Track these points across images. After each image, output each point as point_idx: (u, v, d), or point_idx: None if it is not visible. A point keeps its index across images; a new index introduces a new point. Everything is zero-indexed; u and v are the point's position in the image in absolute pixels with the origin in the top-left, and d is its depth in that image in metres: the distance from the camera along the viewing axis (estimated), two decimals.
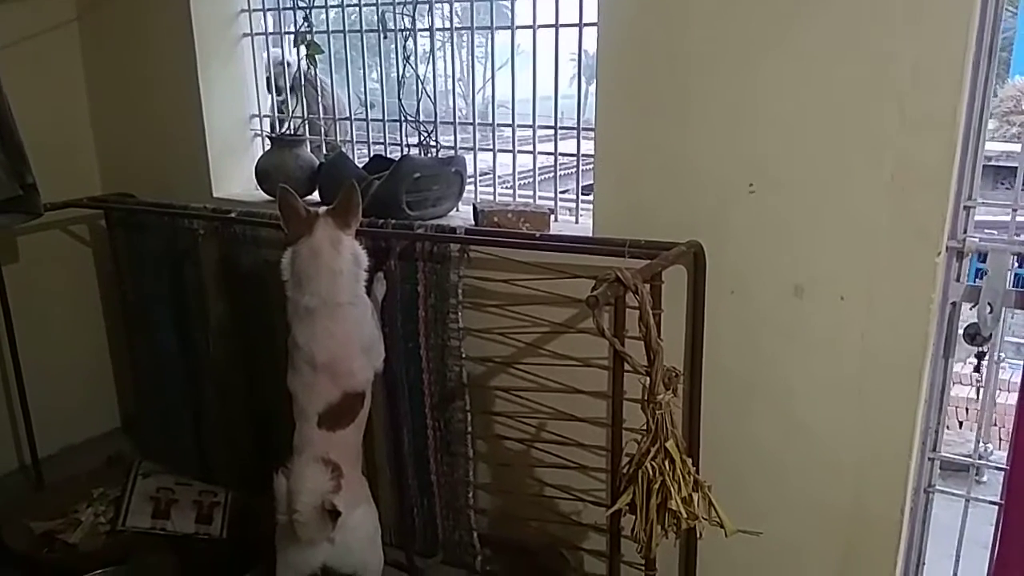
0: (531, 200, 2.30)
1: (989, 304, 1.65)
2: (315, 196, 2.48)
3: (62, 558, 2.22)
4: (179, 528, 2.28)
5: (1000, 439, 4.50)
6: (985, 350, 1.76)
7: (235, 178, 2.69)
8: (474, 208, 2.15)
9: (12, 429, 2.74)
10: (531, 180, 2.31)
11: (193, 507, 2.36)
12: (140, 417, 2.87)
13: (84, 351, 2.98)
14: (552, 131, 2.21)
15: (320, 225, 1.77)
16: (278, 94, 2.67)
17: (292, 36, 2.49)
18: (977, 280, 1.68)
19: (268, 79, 2.65)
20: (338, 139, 2.65)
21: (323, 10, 2.48)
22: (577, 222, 2.20)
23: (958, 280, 1.67)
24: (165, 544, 2.25)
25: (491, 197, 2.37)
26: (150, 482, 2.42)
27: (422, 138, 2.39)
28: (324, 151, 2.63)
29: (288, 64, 2.62)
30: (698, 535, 1.58)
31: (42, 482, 2.65)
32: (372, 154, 2.49)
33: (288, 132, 2.60)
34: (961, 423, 5.89)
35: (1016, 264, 1.63)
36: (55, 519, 2.35)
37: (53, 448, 2.83)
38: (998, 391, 4.22)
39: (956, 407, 5.78)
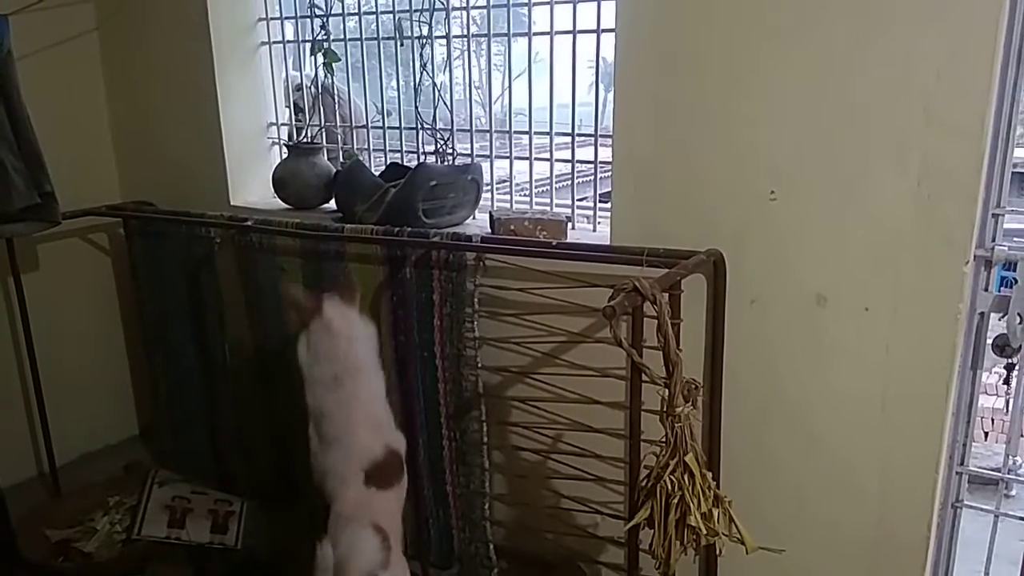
0: (548, 208, 2.28)
1: (1019, 314, 1.60)
2: (331, 204, 2.48)
3: (77, 567, 2.22)
4: (194, 538, 2.27)
5: None
6: (1015, 361, 1.72)
7: (252, 186, 2.69)
8: (490, 216, 2.13)
9: (31, 436, 2.75)
10: (548, 188, 2.29)
11: (208, 516, 2.35)
12: (157, 425, 2.87)
13: (102, 358, 2.99)
14: (569, 138, 2.19)
15: (327, 303, 1.85)
16: (296, 113, 2.68)
17: (309, 44, 2.49)
18: (1005, 289, 1.64)
19: (287, 96, 2.66)
20: (355, 147, 2.64)
21: (340, 18, 2.47)
22: (595, 230, 2.17)
23: (986, 290, 1.63)
24: (180, 553, 2.24)
25: (508, 205, 2.35)
26: (166, 491, 2.41)
27: (439, 146, 2.37)
28: (341, 159, 2.63)
29: (307, 86, 2.62)
30: (718, 552, 1.54)
31: (59, 490, 2.66)
32: (388, 162, 2.48)
33: (305, 140, 2.60)
34: (987, 434, 5.79)
35: None
36: (71, 527, 2.36)
37: (71, 455, 2.84)
38: None
39: (982, 418, 5.70)
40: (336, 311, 1.85)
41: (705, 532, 1.44)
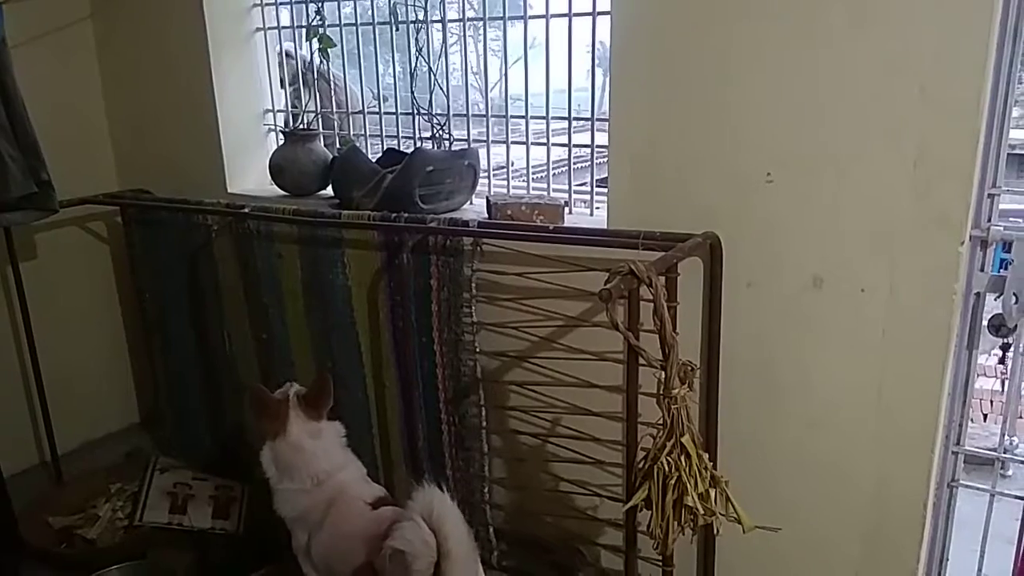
0: (545, 193, 2.28)
1: (1014, 294, 1.61)
2: (328, 191, 2.47)
3: (80, 553, 2.24)
4: (196, 523, 2.29)
5: None
6: (1010, 341, 1.73)
7: (249, 173, 2.69)
8: (487, 201, 2.13)
9: (32, 425, 2.76)
10: (545, 173, 2.29)
11: (210, 502, 2.36)
12: (158, 412, 2.88)
13: (102, 347, 3.00)
14: (566, 123, 2.18)
15: (293, 421, 1.83)
16: (281, 86, 2.67)
17: (305, 30, 2.48)
18: (1002, 270, 1.64)
19: (283, 82, 2.66)
20: (351, 133, 2.64)
21: (336, 3, 2.46)
22: (592, 214, 2.17)
23: (982, 270, 1.63)
24: (182, 539, 2.25)
25: (505, 191, 2.35)
26: (167, 477, 2.43)
27: (435, 131, 2.37)
28: (337, 145, 2.63)
29: (291, 56, 2.61)
30: (715, 531, 1.55)
31: (61, 478, 2.67)
32: (385, 148, 2.48)
33: (301, 126, 2.60)
34: (986, 416, 5.82)
35: None
36: (74, 514, 2.37)
37: (73, 444, 2.85)
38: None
39: (980, 400, 5.72)
40: (304, 432, 1.83)
41: (702, 512, 1.45)
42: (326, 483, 1.82)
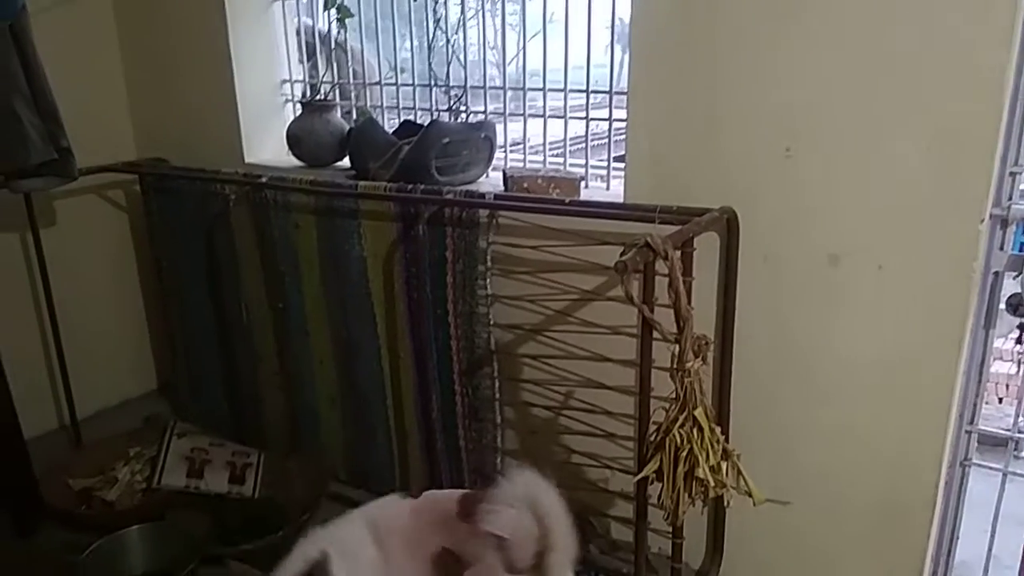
0: (561, 167, 2.27)
1: None
2: (345, 162, 2.48)
3: (99, 514, 2.28)
4: (212, 488, 2.32)
5: None
6: None
7: (266, 143, 2.69)
8: (504, 174, 2.13)
9: (52, 390, 2.81)
10: (562, 149, 2.28)
11: (226, 467, 2.39)
12: (176, 379, 2.92)
13: (121, 314, 3.03)
14: (584, 97, 2.17)
15: None
16: (300, 61, 2.67)
17: (322, 0, 2.48)
18: (1021, 250, 1.63)
19: (301, 52, 2.66)
20: (368, 104, 2.64)
21: None
22: (608, 188, 2.17)
23: (1001, 249, 1.62)
24: (199, 502, 2.29)
25: (521, 165, 2.35)
26: (184, 442, 2.46)
27: (452, 104, 2.36)
28: (354, 116, 2.63)
29: (309, 28, 2.61)
30: (726, 504, 1.57)
31: (80, 441, 2.72)
32: (402, 120, 2.48)
33: (319, 97, 2.60)
34: (1001, 399, 5.78)
35: None
36: (93, 477, 2.41)
37: (92, 409, 2.89)
38: None
39: (996, 383, 5.67)
40: None
41: (713, 484, 1.46)
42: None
